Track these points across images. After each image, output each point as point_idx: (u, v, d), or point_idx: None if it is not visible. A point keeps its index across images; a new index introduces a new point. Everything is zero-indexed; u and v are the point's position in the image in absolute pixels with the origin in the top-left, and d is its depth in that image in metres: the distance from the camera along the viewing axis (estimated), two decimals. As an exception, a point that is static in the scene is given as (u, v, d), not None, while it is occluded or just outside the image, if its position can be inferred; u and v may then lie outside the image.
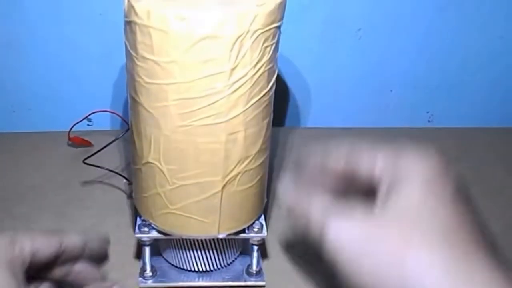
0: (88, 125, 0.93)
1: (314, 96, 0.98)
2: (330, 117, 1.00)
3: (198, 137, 0.54)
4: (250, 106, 0.54)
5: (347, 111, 1.00)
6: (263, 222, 0.63)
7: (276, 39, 0.54)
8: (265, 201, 0.64)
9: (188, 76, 0.51)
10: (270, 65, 0.54)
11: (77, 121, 0.83)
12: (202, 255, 0.63)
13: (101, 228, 0.73)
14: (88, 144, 0.89)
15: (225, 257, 0.65)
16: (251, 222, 0.62)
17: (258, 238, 0.62)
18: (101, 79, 0.91)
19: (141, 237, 0.61)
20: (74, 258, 0.57)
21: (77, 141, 0.88)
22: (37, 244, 0.53)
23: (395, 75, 0.97)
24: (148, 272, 0.64)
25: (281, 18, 0.54)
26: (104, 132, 0.92)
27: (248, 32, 0.50)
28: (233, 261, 0.66)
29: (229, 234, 0.60)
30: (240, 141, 0.55)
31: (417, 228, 0.40)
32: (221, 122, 0.53)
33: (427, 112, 1.02)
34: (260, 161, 0.58)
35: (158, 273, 0.65)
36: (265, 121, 0.57)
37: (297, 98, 0.98)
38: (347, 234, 0.42)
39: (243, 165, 0.56)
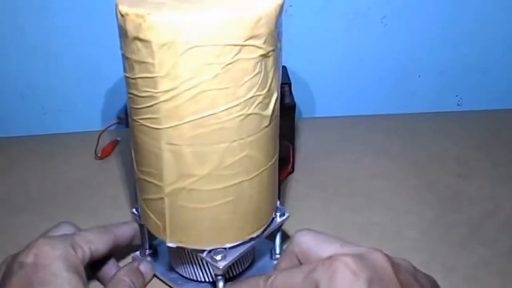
0: (119, 123, 0.95)
1: (343, 84, 0.98)
2: (359, 104, 1.01)
3: (144, 136, 0.54)
4: (188, 122, 0.51)
5: (376, 98, 1.00)
6: (224, 252, 0.58)
7: (225, 58, 0.49)
8: (239, 231, 0.59)
9: (132, 73, 0.51)
10: (219, 86, 0.49)
11: (99, 133, 0.86)
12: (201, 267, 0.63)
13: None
14: (115, 143, 0.90)
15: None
16: (209, 246, 0.58)
17: (216, 265, 0.58)
18: None
19: (133, 218, 0.64)
20: (126, 244, 0.65)
21: (106, 153, 0.89)
22: (95, 246, 0.59)
23: (422, 61, 0.97)
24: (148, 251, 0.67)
25: (276, 28, 0.50)
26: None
27: (178, 42, 0.47)
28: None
29: (180, 247, 0.58)
30: (182, 156, 0.53)
31: None
32: (158, 128, 0.52)
33: (456, 96, 1.01)
34: (216, 187, 0.54)
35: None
36: (221, 145, 0.52)
37: (325, 86, 0.98)
38: None
39: (187, 182, 0.54)
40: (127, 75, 0.52)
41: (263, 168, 0.56)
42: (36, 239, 0.56)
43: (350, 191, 0.80)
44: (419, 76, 0.98)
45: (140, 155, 0.55)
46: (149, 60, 0.49)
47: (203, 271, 0.62)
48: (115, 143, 0.91)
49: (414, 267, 0.53)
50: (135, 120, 0.54)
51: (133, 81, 0.51)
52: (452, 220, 0.73)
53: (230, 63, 0.49)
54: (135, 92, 0.52)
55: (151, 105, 0.51)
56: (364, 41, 0.93)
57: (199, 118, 0.51)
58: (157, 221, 0.58)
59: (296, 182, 0.81)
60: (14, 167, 0.87)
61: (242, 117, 0.52)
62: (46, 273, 0.52)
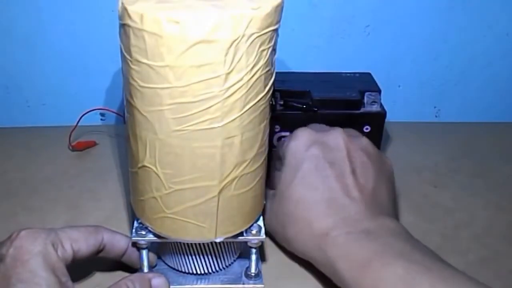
0: (101, 119, 0.96)
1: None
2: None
3: (194, 142, 0.53)
4: (246, 111, 0.53)
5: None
6: (262, 225, 0.62)
7: (273, 42, 0.52)
8: (263, 204, 0.64)
9: (183, 80, 0.50)
10: (267, 69, 0.53)
11: (73, 126, 0.85)
12: (200, 258, 0.63)
13: (114, 220, 0.73)
14: (92, 144, 0.90)
15: (224, 260, 0.64)
16: (249, 225, 0.61)
17: (256, 241, 0.62)
18: (113, 75, 0.92)
19: (138, 240, 0.60)
20: (116, 255, 0.62)
21: (80, 146, 0.89)
22: (77, 245, 0.57)
23: (403, 71, 0.98)
24: None
25: (278, 21, 0.52)
26: (117, 127, 0.96)
27: (243, 36, 0.49)
28: (232, 263, 0.66)
29: (227, 238, 0.59)
30: (236, 146, 0.54)
31: None
32: (217, 127, 0.52)
33: (435, 107, 1.03)
34: (258, 164, 0.58)
35: None
36: (262, 125, 0.56)
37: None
38: None
39: (240, 169, 0.56)
40: (169, 85, 0.50)
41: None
42: (20, 230, 0.55)
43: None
44: (399, 86, 0.99)
45: (181, 164, 0.54)
46: (218, 59, 0.49)
47: (192, 262, 0.64)
48: (90, 144, 0.90)
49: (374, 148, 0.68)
50: (176, 131, 0.52)
51: (182, 89, 0.50)
52: (425, 229, 0.74)
53: (271, 46, 0.53)
54: (185, 100, 0.50)
55: (211, 106, 0.51)
56: (346, 48, 0.95)
57: (255, 103, 0.54)
58: (201, 224, 0.57)
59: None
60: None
61: (270, 94, 0.57)
62: (24, 270, 0.51)
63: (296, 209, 0.64)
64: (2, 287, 0.50)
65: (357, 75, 0.84)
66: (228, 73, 0.50)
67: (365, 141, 0.69)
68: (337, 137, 0.66)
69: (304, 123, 0.77)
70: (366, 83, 0.81)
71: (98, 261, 0.62)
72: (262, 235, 0.61)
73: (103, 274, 0.65)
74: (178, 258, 0.63)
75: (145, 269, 0.62)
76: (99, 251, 0.60)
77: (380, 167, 0.68)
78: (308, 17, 0.91)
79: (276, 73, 0.57)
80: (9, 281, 0.50)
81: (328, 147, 0.66)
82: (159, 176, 0.55)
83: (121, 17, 0.51)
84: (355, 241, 0.60)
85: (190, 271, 0.64)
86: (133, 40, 0.50)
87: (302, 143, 0.66)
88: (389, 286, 0.55)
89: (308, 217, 0.63)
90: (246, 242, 0.62)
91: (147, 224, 0.60)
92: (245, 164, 0.56)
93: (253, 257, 0.63)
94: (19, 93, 0.94)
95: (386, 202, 0.67)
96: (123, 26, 0.51)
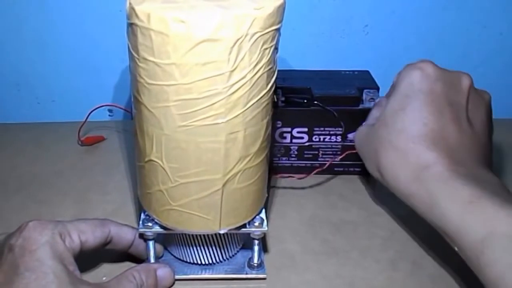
0: (109, 115, 0.99)
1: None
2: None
3: (199, 137, 0.55)
4: (249, 107, 0.54)
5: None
6: (264, 217, 0.64)
7: (275, 41, 0.54)
8: (265, 196, 0.65)
9: (188, 78, 0.51)
10: (269, 67, 0.55)
11: (82, 122, 0.88)
12: (204, 249, 0.65)
13: (122, 213, 0.75)
14: (100, 139, 0.92)
15: (227, 251, 0.66)
16: (252, 217, 0.63)
17: (259, 233, 0.63)
18: (121, 73, 0.94)
19: (145, 232, 0.62)
20: (123, 247, 0.63)
21: (89, 141, 0.91)
22: (85, 236, 0.58)
23: (400, 69, 0.97)
24: None
25: (280, 21, 0.54)
26: (124, 122, 0.98)
27: (246, 35, 0.50)
28: (235, 254, 0.68)
29: (230, 230, 0.61)
30: (239, 141, 0.56)
31: None
32: (221, 123, 0.54)
33: None
34: (260, 159, 0.59)
35: None
36: (265, 121, 0.58)
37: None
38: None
39: (243, 163, 0.57)
40: (175, 82, 0.52)
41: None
42: (28, 221, 0.56)
43: (326, 190, 0.82)
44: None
45: (186, 159, 0.56)
46: (222, 57, 0.51)
47: (197, 253, 0.65)
48: (101, 139, 0.93)
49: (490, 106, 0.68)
50: (182, 126, 0.54)
51: (188, 86, 0.52)
52: (421, 220, 0.73)
53: (273, 45, 0.54)
54: (190, 97, 0.52)
55: (215, 102, 0.53)
56: (345, 47, 0.97)
57: (258, 100, 0.55)
58: (206, 216, 0.59)
59: (274, 179, 0.83)
60: (8, 153, 0.90)
61: (272, 91, 0.58)
62: (31, 259, 0.53)
63: (396, 138, 0.63)
64: (11, 275, 0.52)
65: (356, 73, 0.85)
66: (232, 71, 0.52)
67: (488, 97, 0.68)
68: (464, 80, 0.65)
69: (305, 119, 0.78)
70: (364, 80, 0.83)
71: (106, 252, 0.64)
72: (265, 227, 0.63)
73: (110, 265, 0.67)
74: (183, 249, 0.65)
75: (152, 260, 0.64)
76: (106, 243, 0.61)
77: (491, 128, 0.68)
78: (308, 17, 0.93)
79: (278, 71, 0.58)
80: (17, 270, 0.52)
81: (451, 87, 0.64)
82: (165, 170, 0.57)
83: (128, 17, 0.53)
84: (459, 179, 0.58)
85: (195, 262, 0.66)
86: (140, 39, 0.52)
87: (425, 75, 0.64)
88: (504, 224, 0.53)
89: (408, 148, 0.62)
90: (249, 234, 0.64)
91: (154, 216, 0.62)
92: (248, 159, 0.58)
93: (256, 248, 0.65)
94: (29, 90, 0.97)
95: (490, 161, 0.66)
96: (130, 25, 0.53)
